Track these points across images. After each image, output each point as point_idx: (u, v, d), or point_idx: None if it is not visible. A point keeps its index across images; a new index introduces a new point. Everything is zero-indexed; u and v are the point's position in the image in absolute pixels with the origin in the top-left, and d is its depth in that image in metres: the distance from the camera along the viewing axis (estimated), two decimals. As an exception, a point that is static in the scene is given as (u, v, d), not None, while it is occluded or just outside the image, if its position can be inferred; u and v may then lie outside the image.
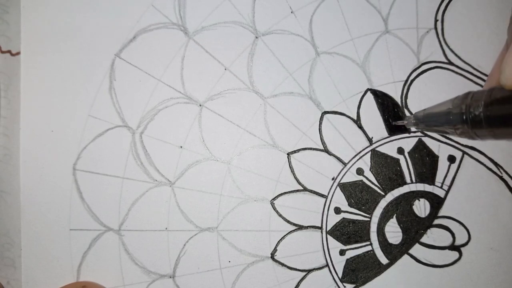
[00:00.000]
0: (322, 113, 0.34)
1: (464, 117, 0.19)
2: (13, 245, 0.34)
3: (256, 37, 0.34)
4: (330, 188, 0.34)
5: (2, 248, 0.33)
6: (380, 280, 0.34)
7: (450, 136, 0.23)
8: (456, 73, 0.34)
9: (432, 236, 0.34)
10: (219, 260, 0.34)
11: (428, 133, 0.33)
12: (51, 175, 0.34)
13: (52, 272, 0.33)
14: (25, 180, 0.34)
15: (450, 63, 0.34)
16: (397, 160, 0.34)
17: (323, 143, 0.34)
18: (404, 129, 0.34)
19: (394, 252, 0.34)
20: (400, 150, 0.34)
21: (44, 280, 0.33)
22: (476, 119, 0.18)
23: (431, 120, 0.24)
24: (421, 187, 0.34)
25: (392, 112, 0.34)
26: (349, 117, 0.34)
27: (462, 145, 0.34)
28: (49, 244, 0.34)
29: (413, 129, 0.26)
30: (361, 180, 0.34)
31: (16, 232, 0.34)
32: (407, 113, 0.34)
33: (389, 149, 0.34)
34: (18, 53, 0.34)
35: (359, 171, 0.34)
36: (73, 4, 0.34)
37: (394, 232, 0.34)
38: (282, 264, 0.34)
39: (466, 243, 0.34)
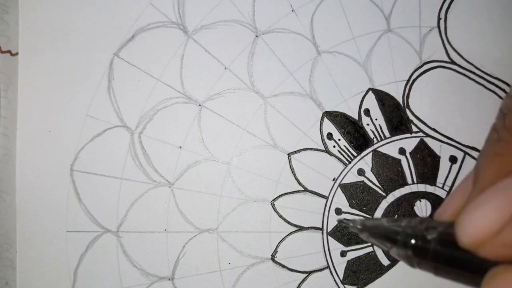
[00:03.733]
0: (323, 113, 0.34)
1: (412, 243, 0.18)
2: (12, 246, 0.33)
3: (256, 36, 0.34)
4: (331, 189, 0.34)
5: (0, 248, 0.33)
6: (381, 282, 0.33)
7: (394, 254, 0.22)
8: (459, 72, 0.34)
9: (434, 237, 0.33)
10: (219, 262, 0.33)
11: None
12: (48, 176, 0.33)
13: (48, 274, 0.33)
14: (21, 181, 0.33)
15: (453, 62, 0.34)
16: (399, 161, 0.34)
17: (324, 143, 0.34)
18: (405, 131, 0.34)
19: (396, 254, 0.34)
20: (402, 151, 0.34)
21: (39, 283, 0.33)
22: (423, 250, 0.17)
23: (377, 233, 0.23)
24: (422, 187, 0.34)
25: (393, 112, 0.34)
26: (350, 117, 0.34)
27: (463, 145, 0.34)
28: (45, 246, 0.33)
29: (362, 236, 0.25)
30: (362, 181, 0.34)
31: (15, 232, 0.33)
32: (410, 114, 0.34)
33: (391, 150, 0.34)
34: (18, 53, 0.34)
35: (360, 172, 0.34)
36: (71, 3, 0.34)
37: (395, 233, 0.34)
38: (283, 266, 0.33)
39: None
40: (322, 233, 0.34)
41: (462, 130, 0.34)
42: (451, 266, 0.16)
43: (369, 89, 0.34)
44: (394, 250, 0.20)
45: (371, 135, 0.34)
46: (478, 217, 0.13)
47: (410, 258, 0.18)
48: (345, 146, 0.34)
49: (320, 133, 0.34)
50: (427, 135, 0.34)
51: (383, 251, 0.18)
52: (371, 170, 0.34)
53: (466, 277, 0.13)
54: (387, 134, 0.34)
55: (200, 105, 0.34)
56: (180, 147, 0.34)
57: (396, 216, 0.34)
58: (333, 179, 0.34)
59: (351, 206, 0.34)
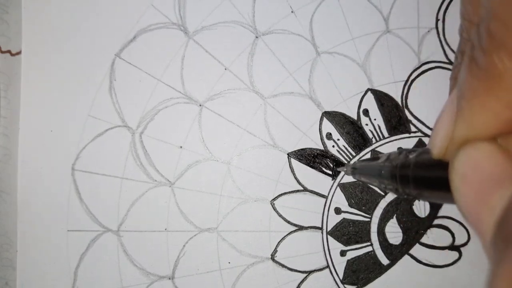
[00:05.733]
0: (322, 113, 0.34)
1: (394, 175, 0.19)
2: (12, 246, 0.33)
3: (256, 37, 0.34)
4: (330, 189, 0.34)
5: (0, 248, 0.33)
6: (381, 281, 0.34)
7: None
8: (457, 73, 0.34)
9: (432, 236, 0.34)
10: (218, 261, 0.33)
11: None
12: (49, 175, 0.33)
13: (48, 273, 0.33)
14: (23, 180, 0.33)
15: (451, 63, 0.34)
16: (398, 161, 0.34)
17: (323, 143, 0.34)
18: (403, 131, 0.34)
19: (395, 253, 0.34)
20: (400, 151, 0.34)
21: (40, 282, 0.33)
22: (404, 178, 0.18)
23: (365, 173, 0.24)
24: (421, 187, 0.34)
25: (392, 112, 0.34)
26: (349, 117, 0.34)
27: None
28: (46, 245, 0.33)
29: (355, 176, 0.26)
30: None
31: (15, 232, 0.33)
32: (408, 114, 0.34)
33: (389, 149, 0.34)
34: (18, 53, 0.34)
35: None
36: (73, 4, 0.34)
37: (394, 233, 0.34)
38: (283, 265, 0.33)
39: (466, 243, 0.34)
40: (322, 233, 0.34)
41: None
42: (431, 187, 0.16)
43: (368, 89, 0.34)
44: (382, 184, 0.20)
45: (370, 135, 0.34)
46: (438, 126, 0.13)
47: (396, 188, 0.19)
48: (344, 146, 0.34)
49: (320, 133, 0.34)
50: (426, 135, 0.34)
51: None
52: (370, 170, 0.34)
53: (446, 196, 0.13)
54: (385, 134, 0.34)
55: (200, 105, 0.34)
56: (181, 147, 0.34)
57: (395, 215, 0.34)
58: (333, 179, 0.34)
59: (350, 205, 0.34)
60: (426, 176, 0.15)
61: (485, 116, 0.11)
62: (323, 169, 0.34)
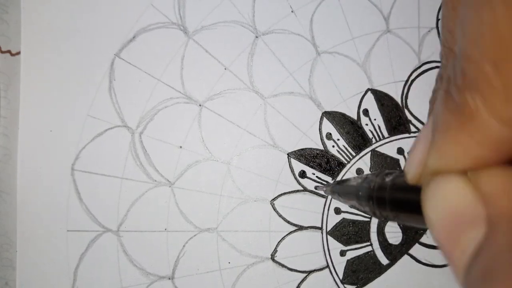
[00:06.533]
0: (322, 113, 0.34)
1: (370, 195, 0.19)
2: (12, 246, 0.33)
3: (256, 37, 0.34)
4: (331, 189, 0.34)
5: (0, 248, 0.33)
6: (381, 281, 0.34)
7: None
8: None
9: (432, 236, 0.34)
10: (218, 261, 0.33)
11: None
12: (49, 175, 0.33)
13: (48, 274, 0.33)
14: (22, 180, 0.33)
15: (450, 63, 0.34)
16: (397, 161, 0.34)
17: (323, 143, 0.34)
18: (403, 131, 0.34)
19: (394, 253, 0.34)
20: (400, 151, 0.34)
21: (39, 282, 0.33)
22: (381, 200, 0.18)
23: (344, 193, 0.24)
24: (421, 187, 0.34)
25: (392, 112, 0.34)
26: (349, 117, 0.34)
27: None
28: (46, 245, 0.33)
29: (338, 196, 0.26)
30: (362, 181, 0.34)
31: (15, 232, 0.33)
32: (408, 114, 0.34)
33: (389, 150, 0.34)
34: (17, 53, 0.34)
35: (359, 171, 0.34)
36: (72, 4, 0.34)
37: (394, 233, 0.34)
38: (283, 265, 0.33)
39: (467, 244, 0.34)
40: (322, 233, 0.34)
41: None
42: (407, 211, 0.16)
43: (368, 89, 0.34)
44: (360, 205, 0.20)
45: (370, 135, 0.34)
46: (413, 153, 0.14)
47: (373, 210, 0.18)
48: (344, 146, 0.34)
49: (320, 133, 0.34)
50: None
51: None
52: (370, 170, 0.34)
53: (422, 221, 0.13)
54: (385, 134, 0.34)
55: (200, 105, 0.34)
56: (181, 147, 0.34)
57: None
58: (333, 179, 0.34)
59: (350, 205, 0.34)
60: (402, 199, 0.15)
61: (456, 151, 0.11)
62: (323, 169, 0.34)
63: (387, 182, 0.17)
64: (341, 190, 0.24)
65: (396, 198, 0.16)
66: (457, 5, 0.12)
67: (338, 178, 0.34)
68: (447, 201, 0.11)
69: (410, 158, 0.14)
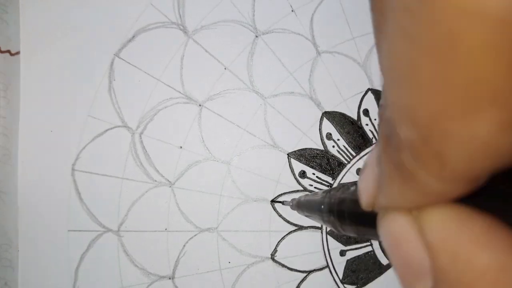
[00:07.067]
0: (322, 113, 0.34)
1: (330, 209, 0.19)
2: (11, 246, 0.33)
3: (256, 36, 0.34)
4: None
5: (0, 249, 0.33)
6: (381, 281, 0.34)
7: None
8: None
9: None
10: (219, 261, 0.33)
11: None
12: (49, 175, 0.33)
13: (49, 273, 0.33)
14: (23, 180, 0.33)
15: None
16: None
17: (323, 143, 0.34)
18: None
19: (395, 253, 0.34)
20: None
21: (40, 281, 0.33)
22: (341, 214, 0.18)
23: (308, 207, 0.23)
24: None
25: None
26: (349, 117, 0.34)
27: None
28: (47, 245, 0.33)
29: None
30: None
31: (14, 233, 0.33)
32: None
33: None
34: (17, 53, 0.34)
35: (359, 172, 0.34)
36: (71, 4, 0.34)
37: (394, 233, 0.34)
38: (283, 265, 0.34)
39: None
40: (322, 233, 0.34)
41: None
42: (366, 226, 0.16)
43: (369, 89, 0.34)
44: (323, 219, 0.20)
45: (370, 135, 0.34)
46: (363, 183, 0.13)
47: (334, 224, 0.18)
48: (344, 146, 0.34)
49: (320, 133, 0.34)
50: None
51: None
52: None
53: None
54: (386, 134, 0.34)
55: (200, 105, 0.34)
56: (181, 147, 0.34)
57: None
58: (333, 179, 0.34)
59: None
60: (361, 213, 0.15)
61: (403, 199, 0.11)
62: (323, 169, 0.34)
63: (347, 195, 0.17)
64: (305, 204, 0.24)
65: (356, 211, 0.16)
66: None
67: (337, 181, 0.34)
68: (397, 244, 0.11)
69: (360, 187, 0.13)
